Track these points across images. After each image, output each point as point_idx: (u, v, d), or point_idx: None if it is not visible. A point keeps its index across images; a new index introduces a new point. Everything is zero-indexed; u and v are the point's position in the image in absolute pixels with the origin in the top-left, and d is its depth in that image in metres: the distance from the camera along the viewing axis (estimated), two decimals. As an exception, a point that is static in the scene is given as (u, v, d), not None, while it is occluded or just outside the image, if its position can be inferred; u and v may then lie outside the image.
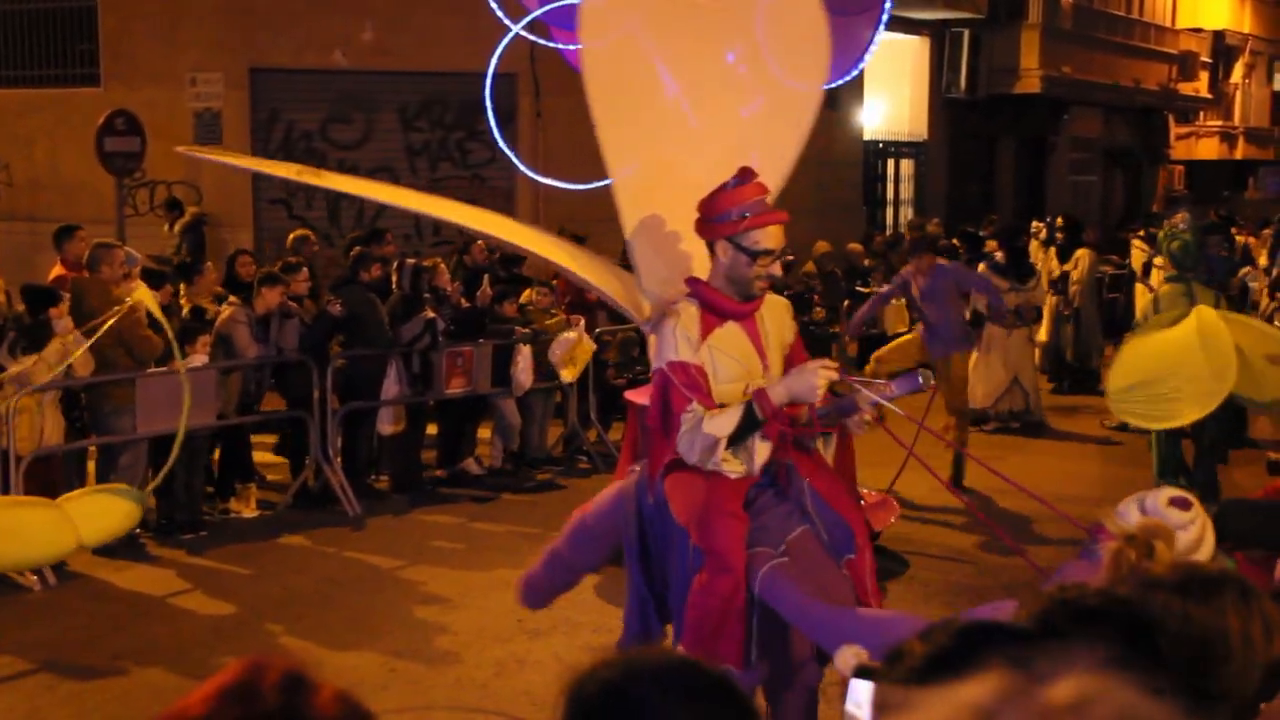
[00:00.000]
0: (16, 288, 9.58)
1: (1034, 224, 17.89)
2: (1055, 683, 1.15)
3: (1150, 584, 2.08)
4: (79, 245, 10.04)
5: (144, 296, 7.05)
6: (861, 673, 1.75)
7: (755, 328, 4.77)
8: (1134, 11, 31.46)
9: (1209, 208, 22.32)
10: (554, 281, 12.53)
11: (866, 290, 15.85)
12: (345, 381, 10.45)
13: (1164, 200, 30.98)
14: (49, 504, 6.55)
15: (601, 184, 5.19)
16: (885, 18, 6.18)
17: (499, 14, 5.85)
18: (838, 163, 21.44)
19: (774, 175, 5.11)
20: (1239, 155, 38.08)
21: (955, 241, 16.48)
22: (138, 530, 9.21)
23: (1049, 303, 15.12)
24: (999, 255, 13.81)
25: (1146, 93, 30.67)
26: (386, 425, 10.68)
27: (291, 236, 13.07)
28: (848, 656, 3.83)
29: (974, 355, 12.37)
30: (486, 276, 11.87)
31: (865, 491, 8.46)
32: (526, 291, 11.90)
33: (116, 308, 7.58)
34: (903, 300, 12.00)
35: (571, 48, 5.42)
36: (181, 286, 10.43)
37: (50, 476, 8.79)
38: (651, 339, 4.79)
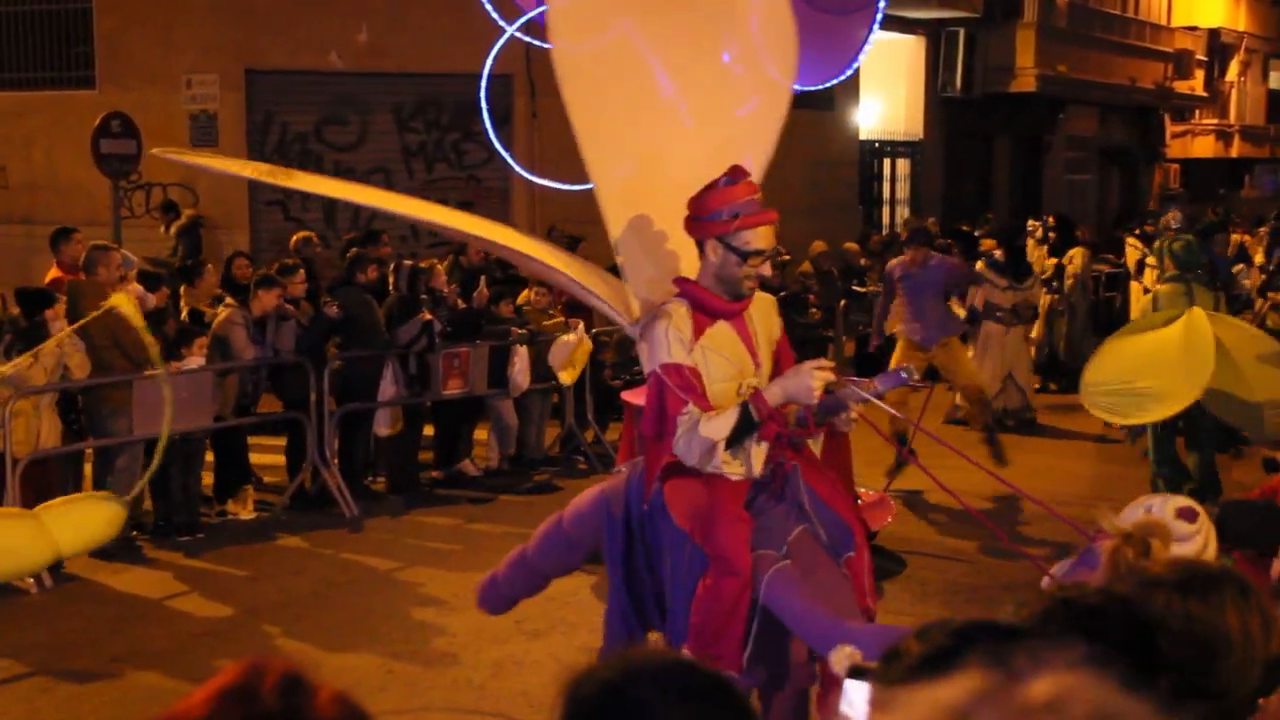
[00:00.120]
0: (12, 290, 9.58)
1: (1030, 222, 17.93)
2: (1033, 681, 1.15)
3: (1150, 583, 2.08)
4: (75, 248, 10.04)
5: (121, 302, 6.94)
6: (855, 673, 1.76)
7: (745, 326, 4.75)
8: (1129, 10, 31.48)
9: (1205, 206, 22.36)
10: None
11: (863, 290, 15.86)
12: (342, 383, 10.45)
13: (1160, 198, 31.01)
14: (25, 514, 6.40)
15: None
16: (880, 17, 6.19)
17: (494, 15, 5.86)
18: (833, 162, 21.46)
19: (758, 171, 5.09)
20: (1235, 153, 38.13)
21: (949, 241, 16.48)
22: (134, 532, 9.23)
23: (1043, 301, 15.15)
24: (998, 253, 13.83)
25: (1142, 91, 30.70)
26: (383, 427, 10.69)
27: (295, 238, 13.08)
28: (841, 657, 3.83)
29: (970, 350, 12.40)
30: (483, 278, 11.86)
31: (862, 491, 8.46)
32: (525, 292, 11.90)
33: (93, 313, 7.51)
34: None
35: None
36: (183, 289, 10.45)
37: (46, 479, 8.79)
38: (641, 343, 4.74)
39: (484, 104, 6.58)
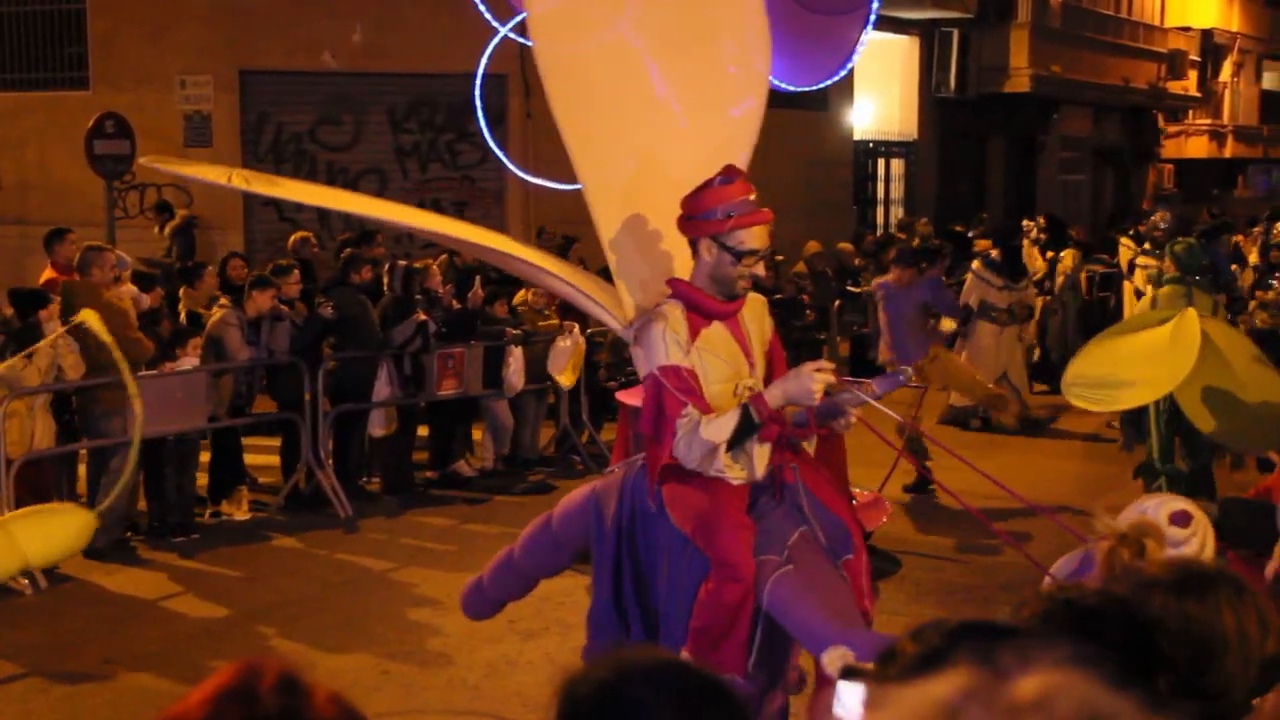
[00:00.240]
0: (6, 291, 9.57)
1: (1025, 223, 17.96)
2: (1020, 678, 1.15)
3: (1147, 583, 2.09)
4: (69, 248, 10.03)
5: (88, 317, 6.89)
6: (847, 674, 1.76)
7: (739, 328, 4.74)
8: (1123, 10, 31.53)
9: (1199, 206, 22.38)
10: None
11: (857, 290, 15.86)
12: (336, 384, 10.44)
13: (1153, 199, 31.05)
14: None
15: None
16: (873, 17, 6.20)
17: (488, 16, 5.86)
18: (828, 162, 21.48)
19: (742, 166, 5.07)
20: (1228, 154, 38.19)
21: (939, 241, 16.51)
22: (129, 533, 9.23)
23: (1037, 301, 15.18)
24: (994, 253, 13.84)
25: (1136, 91, 30.75)
26: (378, 427, 10.67)
27: (293, 239, 13.07)
28: (834, 658, 3.83)
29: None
30: (478, 278, 11.86)
31: (857, 491, 8.46)
32: (520, 292, 11.89)
33: (60, 329, 7.46)
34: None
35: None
36: (183, 291, 10.44)
37: (41, 480, 8.78)
38: (635, 347, 4.71)
39: (479, 104, 6.58)
